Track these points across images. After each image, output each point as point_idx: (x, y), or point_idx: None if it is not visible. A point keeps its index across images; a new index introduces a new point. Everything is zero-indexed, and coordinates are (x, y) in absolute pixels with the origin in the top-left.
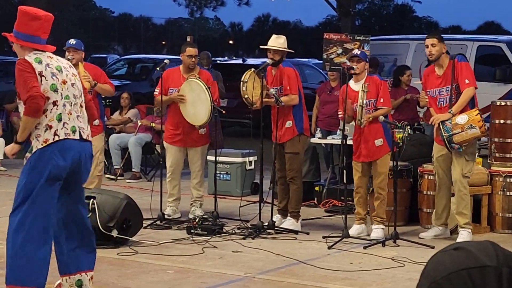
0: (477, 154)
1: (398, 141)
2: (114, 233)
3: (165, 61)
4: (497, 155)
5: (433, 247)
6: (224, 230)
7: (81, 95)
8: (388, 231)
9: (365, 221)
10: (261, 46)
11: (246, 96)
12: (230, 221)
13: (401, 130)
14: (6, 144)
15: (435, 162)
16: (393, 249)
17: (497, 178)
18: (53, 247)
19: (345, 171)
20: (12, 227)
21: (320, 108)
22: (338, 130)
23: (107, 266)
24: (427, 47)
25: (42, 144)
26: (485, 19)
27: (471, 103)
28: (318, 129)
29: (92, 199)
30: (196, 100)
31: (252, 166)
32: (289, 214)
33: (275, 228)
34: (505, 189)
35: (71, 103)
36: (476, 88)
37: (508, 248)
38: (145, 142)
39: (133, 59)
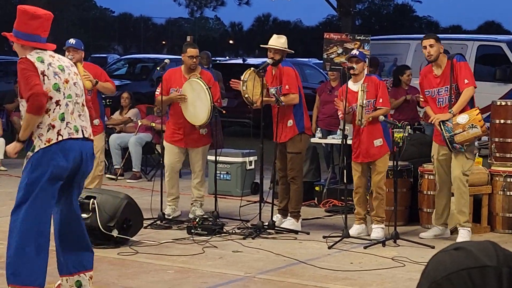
0: (477, 153)
1: (398, 141)
2: (115, 233)
3: (166, 61)
4: (497, 155)
5: (433, 247)
6: (224, 230)
7: (82, 94)
8: (388, 231)
9: (365, 221)
10: (261, 45)
11: (246, 96)
12: (230, 221)
13: (401, 130)
14: (7, 144)
15: (435, 162)
16: (393, 249)
17: (497, 178)
18: (52, 247)
19: (345, 171)
20: (12, 226)
21: (320, 108)
22: (339, 130)
23: (107, 266)
24: (425, 48)
25: (45, 144)
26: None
27: (470, 103)
28: (319, 129)
29: (92, 199)
30: (196, 100)
31: (252, 166)
32: (289, 214)
33: (275, 228)
34: (505, 189)
35: (74, 102)
36: (475, 87)
37: (508, 248)
38: (146, 142)
39: (133, 59)
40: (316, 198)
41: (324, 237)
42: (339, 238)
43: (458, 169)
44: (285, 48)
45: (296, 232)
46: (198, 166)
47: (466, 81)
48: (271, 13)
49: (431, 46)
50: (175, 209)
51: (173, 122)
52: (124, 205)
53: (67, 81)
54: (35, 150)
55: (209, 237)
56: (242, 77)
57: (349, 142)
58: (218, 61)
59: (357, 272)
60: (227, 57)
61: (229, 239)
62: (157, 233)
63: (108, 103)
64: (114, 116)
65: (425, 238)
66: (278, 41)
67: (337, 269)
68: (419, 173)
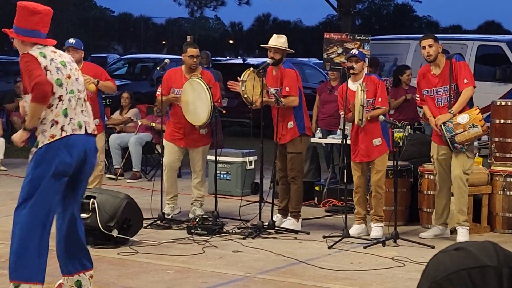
0: (477, 153)
1: (398, 140)
2: (115, 233)
3: (166, 60)
4: (497, 154)
5: (433, 247)
6: (225, 230)
7: (84, 90)
8: (388, 230)
9: (365, 221)
10: (261, 45)
11: (245, 96)
12: (230, 221)
13: (401, 129)
14: (7, 143)
15: (435, 162)
16: (393, 248)
17: (497, 178)
18: (52, 247)
19: (345, 170)
20: (16, 222)
21: (320, 108)
22: (338, 130)
23: (107, 266)
24: (424, 48)
25: (48, 140)
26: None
27: (469, 103)
28: (319, 128)
29: (92, 199)
30: (197, 100)
31: (253, 166)
32: (289, 214)
33: (276, 228)
34: (505, 189)
35: (76, 97)
36: (475, 87)
37: (508, 248)
38: (146, 141)
39: (133, 59)
40: (316, 198)
41: (324, 237)
42: (339, 238)
43: (459, 169)
44: (285, 47)
45: (296, 232)
46: (198, 166)
47: (465, 81)
48: (271, 13)
49: (430, 46)
50: (174, 207)
51: (173, 122)
52: (124, 205)
53: (69, 77)
54: (39, 146)
55: (209, 237)
56: (241, 77)
57: (349, 142)
58: (218, 61)
59: (357, 272)
60: (228, 57)
61: (229, 239)
62: (157, 233)
63: (108, 103)
64: (114, 116)
65: (425, 238)
66: (278, 41)
67: (337, 269)
68: (419, 173)
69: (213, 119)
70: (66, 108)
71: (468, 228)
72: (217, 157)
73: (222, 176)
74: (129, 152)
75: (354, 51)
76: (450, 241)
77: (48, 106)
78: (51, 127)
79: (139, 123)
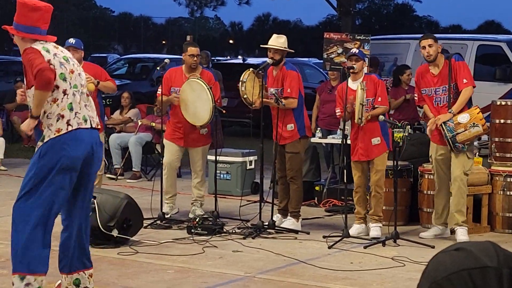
0: (477, 153)
1: (398, 140)
2: (115, 233)
3: (166, 60)
4: (497, 154)
5: (433, 247)
6: (225, 230)
7: (85, 85)
8: (388, 230)
9: (365, 220)
10: (261, 45)
11: (245, 96)
12: (230, 221)
13: (401, 129)
14: (6, 143)
15: (434, 162)
16: (393, 248)
17: (497, 178)
18: (53, 247)
19: (345, 170)
20: (17, 215)
21: (320, 108)
22: (339, 130)
23: (107, 266)
24: (424, 48)
25: (54, 134)
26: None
27: (468, 102)
28: (319, 128)
29: (92, 199)
30: (197, 100)
31: (253, 166)
32: (289, 214)
33: (276, 228)
34: (505, 189)
35: (79, 92)
36: (474, 87)
37: (509, 248)
38: (146, 141)
39: (133, 59)
40: (316, 198)
41: (324, 236)
42: (339, 238)
43: (459, 169)
44: (284, 47)
45: (296, 232)
46: (199, 165)
47: (465, 80)
48: (271, 13)
49: (430, 46)
50: (173, 207)
51: (173, 122)
52: (124, 205)
53: (72, 72)
54: (45, 140)
55: (209, 236)
56: (241, 78)
57: (349, 141)
58: (218, 61)
59: (357, 272)
60: (228, 57)
61: (229, 239)
62: (157, 233)
63: (108, 103)
64: (114, 115)
65: (425, 238)
66: (277, 41)
67: (337, 269)
68: (419, 172)
69: (213, 119)
70: (71, 103)
71: (467, 228)
72: (217, 157)
73: (222, 176)
74: (129, 152)
75: (355, 50)
76: (450, 241)
77: (53, 100)
78: (57, 121)
79: (139, 123)
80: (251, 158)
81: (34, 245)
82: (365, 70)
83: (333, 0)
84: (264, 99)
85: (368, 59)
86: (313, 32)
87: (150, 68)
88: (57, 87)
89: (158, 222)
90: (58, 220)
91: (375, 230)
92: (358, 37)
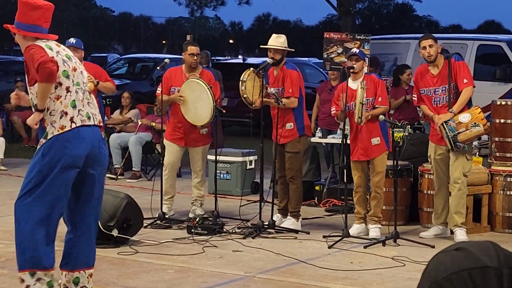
0: (477, 153)
1: (399, 140)
2: (115, 233)
3: (166, 60)
4: (497, 154)
5: (433, 247)
6: (225, 230)
7: (87, 83)
8: (388, 230)
9: (365, 220)
10: (261, 46)
11: (245, 96)
12: (230, 221)
13: (401, 129)
14: (6, 143)
15: (433, 162)
16: (393, 248)
17: (497, 178)
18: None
19: (345, 170)
20: (20, 213)
21: (320, 107)
22: (339, 130)
23: (107, 266)
24: (425, 48)
25: (58, 131)
26: (485, 18)
27: (468, 102)
28: (319, 128)
29: None
30: (197, 100)
31: (253, 166)
32: (289, 214)
33: (276, 228)
34: (505, 189)
35: (82, 89)
36: (474, 87)
37: (509, 248)
38: (146, 141)
39: (133, 58)
40: (316, 198)
41: (324, 236)
42: (339, 238)
43: (458, 171)
44: (284, 47)
45: (296, 231)
46: (198, 165)
47: (465, 80)
48: (271, 13)
49: (430, 46)
50: (170, 208)
51: (173, 121)
52: (124, 205)
53: (75, 69)
54: (48, 137)
55: (209, 236)
56: (241, 77)
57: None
58: (218, 61)
59: (357, 272)
60: (229, 57)
61: (229, 239)
62: (157, 232)
63: (108, 103)
64: (113, 115)
65: (425, 238)
66: (277, 41)
67: (337, 269)
68: (419, 172)
69: (213, 118)
70: (74, 100)
71: (466, 230)
72: (217, 157)
73: (222, 175)
74: (129, 152)
75: (355, 50)
76: (450, 241)
77: (56, 97)
78: (61, 118)
79: (139, 123)
80: (251, 158)
81: (38, 242)
82: (365, 70)
83: (333, 0)
84: (264, 99)
85: (368, 59)
86: (313, 32)
87: (150, 68)
88: (60, 84)
89: (158, 222)
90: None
91: (375, 231)
92: (358, 37)
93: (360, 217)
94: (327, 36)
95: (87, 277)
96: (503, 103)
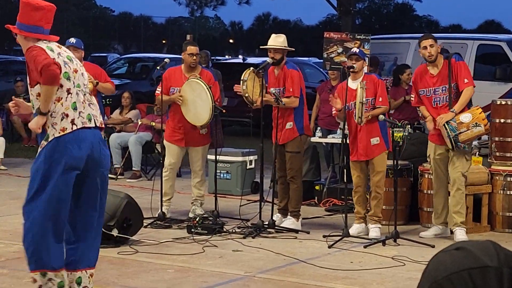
0: (477, 152)
1: (399, 140)
2: (115, 232)
3: (165, 60)
4: (497, 154)
5: (433, 246)
6: (225, 229)
7: (88, 85)
8: (388, 230)
9: (365, 220)
10: (261, 46)
11: (246, 95)
12: (230, 220)
13: (401, 129)
14: (6, 143)
15: (432, 162)
16: (393, 248)
17: (497, 177)
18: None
19: (345, 170)
20: (27, 216)
21: (320, 107)
22: (339, 129)
23: (107, 265)
24: (425, 48)
25: (59, 133)
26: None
27: (468, 102)
28: (319, 128)
29: None
30: (197, 100)
31: (253, 165)
32: (289, 213)
33: (276, 227)
34: (505, 188)
35: (83, 91)
36: (474, 87)
37: (509, 247)
38: (146, 141)
39: (133, 58)
40: (316, 197)
41: (324, 236)
42: (339, 237)
43: (458, 171)
44: (284, 46)
45: (296, 231)
46: (198, 165)
47: (466, 80)
48: (271, 13)
49: (431, 46)
50: (168, 210)
51: (172, 122)
52: (124, 205)
53: (76, 71)
54: (49, 139)
55: (209, 236)
56: (242, 77)
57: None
58: (218, 60)
59: (357, 271)
60: (230, 56)
61: (229, 238)
62: (157, 232)
63: (108, 102)
64: (113, 115)
65: (425, 237)
66: (277, 41)
67: (337, 268)
68: (419, 172)
69: (213, 118)
70: (75, 102)
71: (465, 229)
72: (217, 157)
73: (222, 175)
74: (129, 152)
75: (355, 50)
76: (450, 241)
77: (57, 99)
78: (62, 120)
79: (139, 123)
80: (251, 157)
81: (47, 244)
82: (365, 69)
83: (333, 0)
84: (264, 98)
85: (368, 58)
86: (313, 31)
87: (150, 67)
88: (61, 86)
89: (158, 221)
90: None
91: (375, 231)
92: (358, 37)
93: (360, 216)
94: (327, 36)
95: (88, 277)
96: (503, 102)
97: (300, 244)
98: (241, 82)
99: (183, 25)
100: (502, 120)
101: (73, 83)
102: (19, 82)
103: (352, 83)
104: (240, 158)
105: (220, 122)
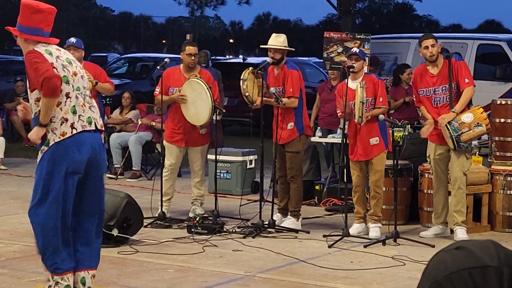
0: (477, 152)
1: (399, 140)
2: (115, 232)
3: (165, 60)
4: (497, 153)
5: (433, 246)
6: (225, 229)
7: (88, 87)
8: (388, 230)
9: (365, 220)
10: (261, 46)
11: (247, 94)
12: (230, 220)
13: (401, 129)
14: (6, 143)
15: (432, 162)
16: (393, 247)
17: (497, 177)
18: None
19: (345, 170)
20: (34, 221)
21: (320, 107)
22: (339, 129)
23: (107, 265)
24: (426, 48)
25: (59, 137)
26: (485, 17)
27: (468, 102)
28: (319, 128)
29: None
30: (197, 100)
31: (253, 165)
32: (289, 213)
33: (276, 227)
34: (505, 188)
35: (83, 94)
36: (474, 86)
37: (509, 247)
38: (146, 141)
39: (133, 58)
40: (316, 197)
41: (324, 236)
42: (339, 237)
43: (458, 170)
44: (284, 46)
45: (296, 231)
46: (198, 165)
47: (466, 80)
48: (271, 12)
49: (432, 46)
50: (168, 211)
51: (172, 122)
52: (124, 204)
53: (75, 74)
54: (50, 145)
55: (209, 236)
56: (241, 76)
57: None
58: (218, 60)
59: (358, 271)
60: (230, 56)
61: (229, 238)
62: (157, 232)
63: (108, 102)
64: (113, 115)
65: (425, 237)
66: (277, 40)
67: (337, 268)
68: (419, 172)
69: (212, 118)
70: (74, 105)
71: (466, 228)
72: (217, 156)
73: (222, 175)
74: (129, 151)
75: (355, 49)
76: (450, 240)
77: (57, 104)
78: (61, 124)
79: (139, 123)
80: (251, 157)
81: (55, 246)
82: (365, 69)
83: None
84: (264, 98)
85: (368, 58)
86: (313, 31)
87: (150, 67)
88: (60, 90)
89: (158, 221)
90: None
91: (375, 230)
92: (358, 36)
93: (360, 216)
94: (327, 35)
95: (91, 278)
96: (503, 102)
97: (300, 244)
98: (241, 81)
99: (183, 25)
100: (502, 120)
101: (72, 86)
102: (19, 82)
103: (352, 83)
104: (240, 158)
105: (220, 122)
